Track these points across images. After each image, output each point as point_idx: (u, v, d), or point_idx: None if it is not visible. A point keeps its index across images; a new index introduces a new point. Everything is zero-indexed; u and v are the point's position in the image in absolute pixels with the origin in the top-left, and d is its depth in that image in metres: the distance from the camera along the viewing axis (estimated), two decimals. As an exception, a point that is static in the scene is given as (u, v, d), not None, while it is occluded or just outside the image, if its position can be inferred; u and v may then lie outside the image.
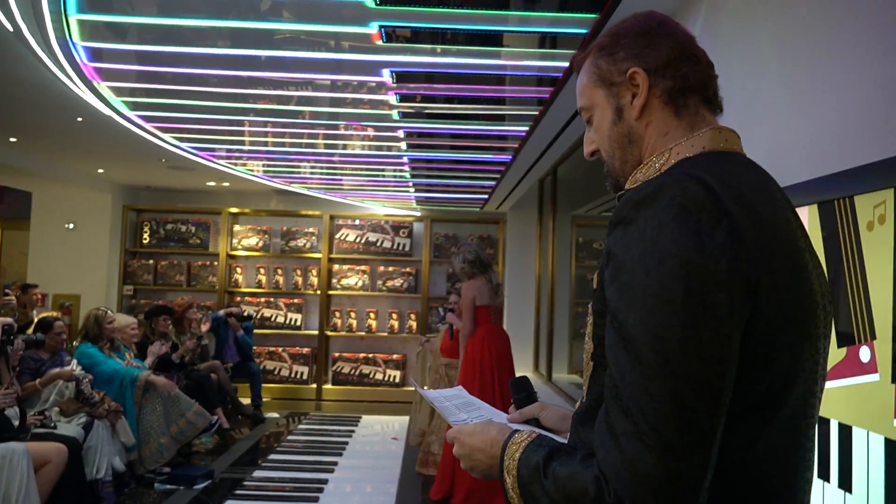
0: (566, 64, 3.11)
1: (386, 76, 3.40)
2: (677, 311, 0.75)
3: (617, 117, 0.98)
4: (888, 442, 1.15)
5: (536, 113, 3.97)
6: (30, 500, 3.16)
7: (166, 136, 5.19)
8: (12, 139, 5.77)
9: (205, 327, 6.46)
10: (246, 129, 4.98)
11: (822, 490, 1.29)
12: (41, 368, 4.23)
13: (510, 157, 5.15)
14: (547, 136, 4.42)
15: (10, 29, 3.04)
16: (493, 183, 6.31)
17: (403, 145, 5.01)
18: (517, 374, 1.43)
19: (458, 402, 1.24)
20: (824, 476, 1.28)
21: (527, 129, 4.33)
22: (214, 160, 6.14)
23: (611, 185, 1.04)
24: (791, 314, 0.81)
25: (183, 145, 5.51)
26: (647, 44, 0.95)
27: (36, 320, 4.96)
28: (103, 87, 3.88)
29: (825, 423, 1.28)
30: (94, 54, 3.39)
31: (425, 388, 5.40)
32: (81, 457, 3.90)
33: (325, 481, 4.75)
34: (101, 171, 7.33)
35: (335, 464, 5.24)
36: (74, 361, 4.45)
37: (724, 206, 0.79)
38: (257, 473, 4.94)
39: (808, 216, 1.30)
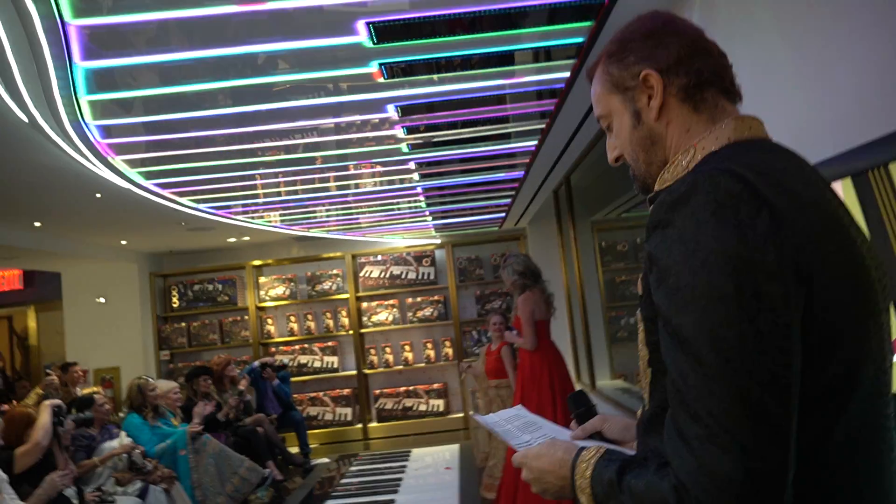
0: (567, 74, 3.12)
1: (391, 111, 3.44)
2: (730, 307, 0.73)
3: (636, 121, 0.97)
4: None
5: (542, 127, 3.98)
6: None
7: (183, 200, 5.28)
8: (37, 224, 5.91)
9: (244, 383, 6.49)
10: (258, 182, 5.05)
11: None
12: (92, 444, 4.28)
13: (522, 173, 5.15)
14: (556, 147, 4.42)
15: (25, 119, 3.13)
16: (508, 201, 6.31)
17: (416, 176, 5.04)
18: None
19: (518, 423, 1.23)
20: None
21: (535, 143, 4.34)
22: (232, 217, 6.22)
23: (639, 188, 1.04)
24: (848, 294, 0.79)
25: (200, 206, 5.60)
26: (655, 44, 0.95)
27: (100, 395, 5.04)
28: (118, 161, 3.97)
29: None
30: (106, 131, 3.47)
31: (476, 413, 5.37)
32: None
33: (385, 521, 4.71)
34: (124, 242, 7.46)
35: (392, 502, 5.20)
36: (123, 433, 4.50)
37: (762, 195, 0.78)
38: (316, 521, 4.91)
39: (842, 191, 1.28)
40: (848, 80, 1.38)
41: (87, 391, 5.73)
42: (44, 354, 9.82)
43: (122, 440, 4.44)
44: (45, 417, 3.67)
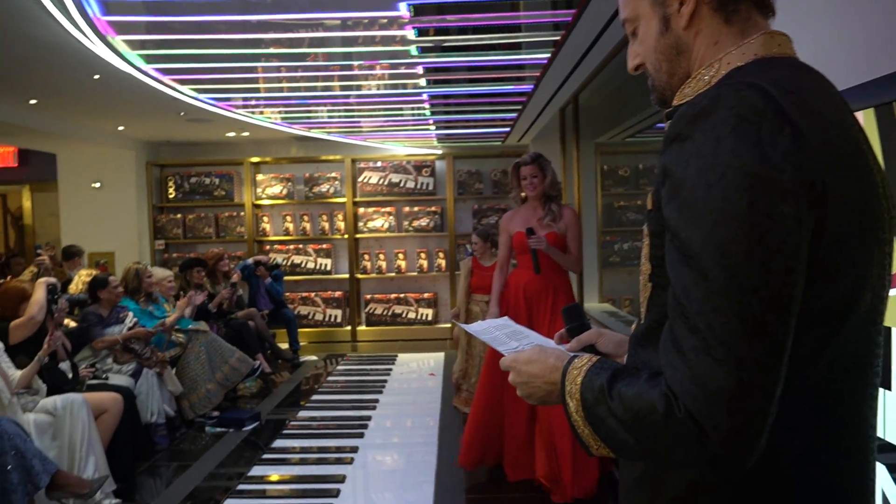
0: (588, -17, 2.99)
1: (403, 10, 3.32)
2: (742, 224, 0.73)
3: (664, 27, 0.93)
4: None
5: (556, 39, 3.86)
6: (93, 447, 3.32)
7: (183, 88, 5.17)
8: (32, 101, 5.78)
9: (236, 277, 6.57)
10: (260, 75, 4.93)
11: (884, 398, 1.29)
12: (104, 321, 4.43)
13: (531, 87, 5.04)
14: (568, 62, 4.29)
15: (22, -14, 3.00)
16: (514, 115, 6.21)
17: (423, 82, 4.92)
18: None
19: (505, 331, 1.24)
20: (885, 384, 1.28)
21: (547, 56, 4.22)
22: (232, 110, 6.11)
23: (656, 100, 1.01)
24: (859, 220, 0.79)
25: (200, 96, 5.48)
26: None
27: (80, 278, 5.09)
28: (118, 40, 3.85)
29: (886, 331, 1.27)
30: (106, 7, 3.35)
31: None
32: (136, 404, 4.06)
33: (369, 418, 4.91)
34: (121, 128, 7.35)
35: (376, 401, 5.39)
36: (130, 314, 4.59)
37: (786, 113, 0.76)
38: (302, 413, 5.11)
39: (863, 121, 1.26)
40: (881, 6, 1.33)
41: (82, 273, 5.78)
42: (38, 235, 9.86)
43: (129, 321, 4.54)
44: (40, 294, 3.73)
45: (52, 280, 3.87)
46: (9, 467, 2.74)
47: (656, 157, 0.87)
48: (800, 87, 0.81)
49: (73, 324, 4.51)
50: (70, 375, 3.84)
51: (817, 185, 0.76)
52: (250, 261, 7.00)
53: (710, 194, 0.75)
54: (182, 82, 4.99)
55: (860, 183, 0.80)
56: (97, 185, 8.07)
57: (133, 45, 4.03)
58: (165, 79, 4.82)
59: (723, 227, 0.74)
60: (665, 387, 0.78)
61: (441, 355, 7.05)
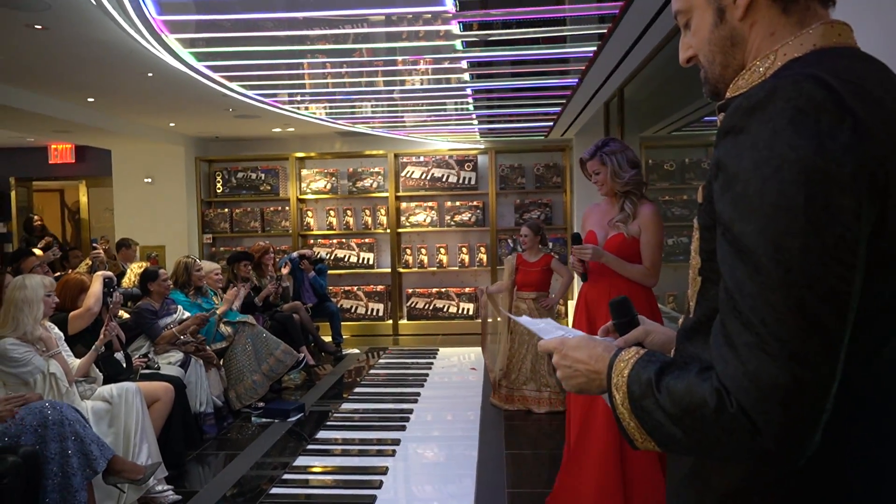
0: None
1: (448, 5, 3.32)
2: (798, 218, 0.72)
3: (718, 19, 0.92)
4: None
5: (602, 32, 3.81)
6: (146, 434, 3.43)
7: (232, 85, 5.28)
8: (90, 99, 5.99)
9: (285, 270, 6.68)
10: (306, 71, 5.00)
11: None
12: (157, 314, 4.59)
13: (576, 80, 4.99)
14: (614, 55, 4.24)
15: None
16: (558, 109, 6.16)
17: (466, 76, 4.92)
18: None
19: (551, 326, 1.23)
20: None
21: (592, 49, 4.17)
22: (278, 106, 6.22)
23: (709, 93, 0.99)
24: None
25: (248, 93, 5.59)
26: None
27: (132, 271, 5.26)
28: (171, 39, 3.95)
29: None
30: (161, 7, 3.44)
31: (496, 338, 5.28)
32: (186, 394, 4.18)
33: (410, 411, 4.95)
34: (172, 124, 7.55)
35: (418, 395, 5.43)
36: (180, 307, 4.74)
37: (847, 104, 0.74)
38: (345, 406, 5.18)
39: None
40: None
41: (134, 266, 5.96)
42: (94, 228, 10.21)
43: (181, 314, 4.69)
44: (97, 286, 3.86)
45: (109, 273, 4.01)
46: (69, 452, 2.85)
47: (703, 151, 0.87)
48: (861, 77, 0.79)
49: (126, 315, 4.66)
50: (124, 365, 3.98)
51: (879, 177, 0.74)
52: (295, 254, 7.12)
53: (765, 188, 0.74)
54: (231, 79, 5.10)
55: None
56: (149, 180, 8.31)
57: (185, 43, 4.14)
58: (215, 75, 4.93)
59: (778, 221, 0.73)
60: (717, 381, 0.77)
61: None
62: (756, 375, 0.74)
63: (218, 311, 5.05)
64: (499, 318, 5.34)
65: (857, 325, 0.75)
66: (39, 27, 3.82)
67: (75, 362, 3.47)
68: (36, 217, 8.43)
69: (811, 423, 0.74)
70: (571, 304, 7.95)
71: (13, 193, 9.80)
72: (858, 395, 0.79)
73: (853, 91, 0.76)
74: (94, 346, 3.57)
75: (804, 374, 0.72)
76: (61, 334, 3.57)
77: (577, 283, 7.98)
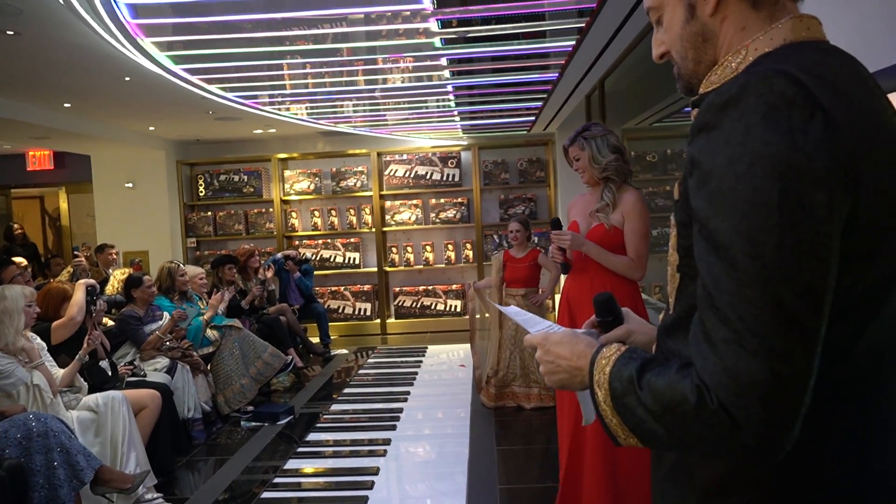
0: (612, -31, 2.95)
1: (426, 2, 3.31)
2: (773, 213, 0.73)
3: (689, 15, 0.92)
4: None
5: (581, 26, 3.82)
6: (134, 442, 3.40)
7: (211, 87, 5.23)
8: (67, 105, 5.92)
9: (269, 273, 6.65)
10: (286, 72, 4.97)
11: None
12: (142, 320, 4.55)
13: (556, 75, 5.00)
14: (594, 49, 4.25)
15: (53, -6, 3.07)
16: (539, 104, 6.16)
17: (447, 73, 4.91)
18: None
19: (525, 317, 1.21)
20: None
21: (571, 43, 4.18)
22: (259, 107, 6.17)
23: (682, 89, 1.00)
24: (894, 205, 0.78)
25: (227, 95, 5.55)
26: None
27: (116, 277, 5.21)
28: (147, 42, 3.91)
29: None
30: (135, 10, 3.40)
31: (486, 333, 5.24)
32: (173, 400, 4.15)
33: (400, 410, 4.94)
34: (152, 128, 7.48)
35: (407, 393, 5.43)
36: (165, 314, 4.70)
37: (817, 99, 0.75)
38: (334, 407, 5.17)
39: (897, 104, 1.22)
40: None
41: (118, 273, 5.91)
42: (75, 235, 10.10)
43: (164, 320, 4.65)
44: (79, 295, 3.82)
45: (92, 281, 3.97)
46: (55, 463, 2.82)
47: (684, 141, 0.87)
48: (830, 71, 0.80)
49: (111, 323, 4.62)
50: (110, 373, 3.94)
51: (850, 171, 0.74)
52: (279, 255, 7.08)
53: (739, 184, 0.74)
54: (209, 81, 5.06)
55: (894, 169, 0.79)
56: (130, 185, 8.24)
57: (161, 46, 4.09)
58: (193, 78, 4.89)
59: (753, 217, 0.73)
60: (696, 378, 0.78)
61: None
62: (735, 371, 0.74)
63: (204, 317, 5.02)
64: (486, 315, 5.34)
65: (833, 317, 0.76)
66: (11, 33, 3.77)
67: (59, 372, 3.43)
68: (16, 225, 8.32)
69: (790, 418, 0.74)
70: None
71: (-8, 202, 9.68)
72: (837, 388, 0.80)
73: (823, 86, 0.76)
74: (77, 356, 3.53)
75: (782, 370, 0.73)
76: (44, 344, 3.52)
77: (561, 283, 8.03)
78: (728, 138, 0.76)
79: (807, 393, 0.74)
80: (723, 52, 0.91)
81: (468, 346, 7.08)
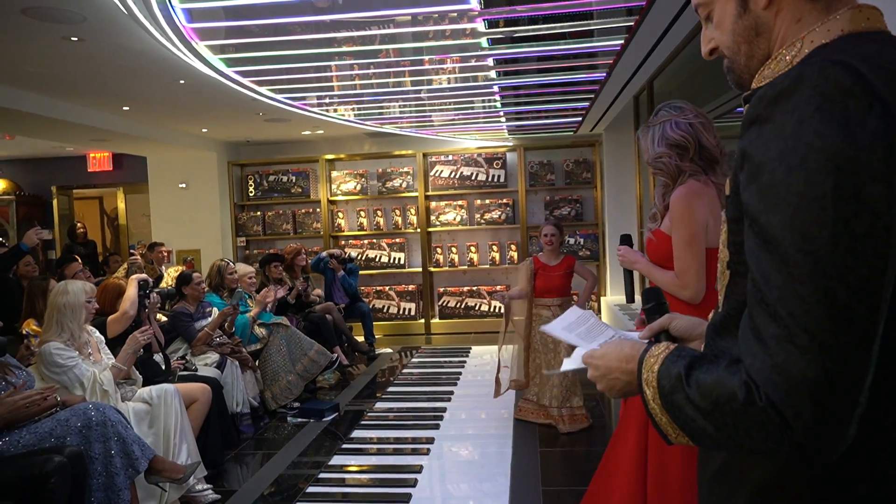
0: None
1: (473, 2, 3.32)
2: (826, 207, 0.71)
3: (742, 9, 0.90)
4: None
5: (629, 25, 3.77)
6: (185, 434, 3.50)
7: (262, 89, 5.35)
8: (125, 108, 6.13)
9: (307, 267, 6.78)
10: (334, 73, 5.05)
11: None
12: (193, 317, 4.68)
13: (604, 74, 4.94)
14: (642, 48, 4.19)
15: (117, 1, 3.19)
16: (586, 104, 6.11)
17: (493, 73, 4.91)
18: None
19: (582, 328, 1.21)
20: None
21: (620, 43, 4.13)
22: (307, 109, 6.29)
23: (734, 83, 0.98)
24: None
25: (277, 97, 5.66)
26: None
27: (169, 275, 5.37)
28: (201, 46, 4.03)
29: None
30: (190, 14, 3.51)
31: (508, 347, 4.82)
32: (223, 395, 4.26)
33: (444, 409, 4.96)
34: (204, 130, 7.69)
35: (451, 393, 5.44)
36: (215, 309, 4.83)
37: (876, 90, 0.72)
38: (379, 405, 5.22)
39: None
40: None
41: (171, 270, 6.09)
42: (132, 234, 10.46)
43: (215, 316, 4.78)
44: (132, 290, 3.96)
45: (143, 276, 4.10)
46: (112, 452, 2.93)
47: (735, 142, 0.85)
48: (892, 62, 0.77)
49: (164, 318, 4.76)
50: (163, 367, 4.07)
51: None
52: (324, 253, 7.18)
53: (792, 177, 0.73)
54: (260, 83, 5.18)
55: None
56: (183, 185, 8.48)
57: (215, 49, 4.21)
58: (245, 80, 5.01)
59: (806, 211, 0.72)
60: (745, 374, 0.77)
61: (515, 347, 7.03)
62: (785, 368, 0.73)
63: (250, 314, 5.13)
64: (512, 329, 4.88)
65: (894, 315, 0.74)
66: (76, 39, 3.93)
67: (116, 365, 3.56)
68: (79, 224, 8.67)
69: (843, 417, 0.72)
70: (593, 306, 7.88)
71: (55, 202, 10.08)
72: (893, 385, 0.77)
73: (883, 76, 0.74)
74: (132, 348, 3.63)
75: (835, 367, 0.71)
76: (102, 338, 3.66)
77: (608, 286, 7.91)
78: (780, 131, 0.75)
79: (861, 392, 0.72)
80: (777, 46, 0.89)
81: (512, 347, 7.05)
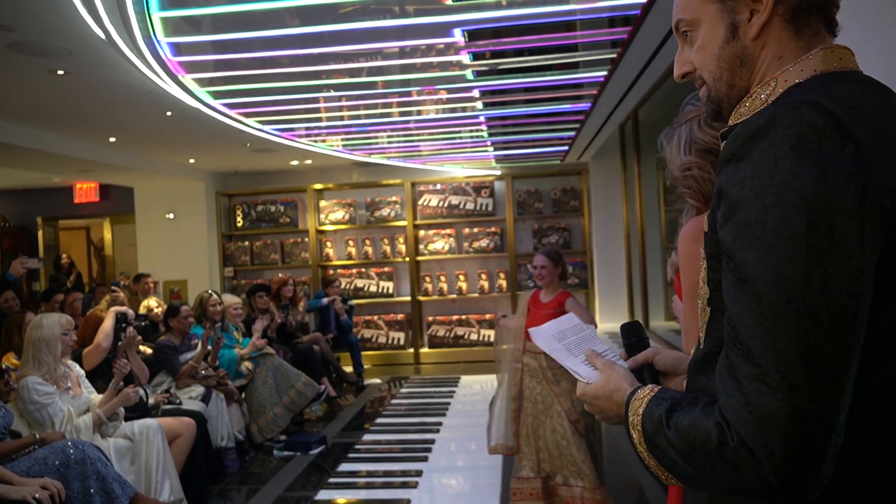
0: (643, 0, 2.96)
1: (458, 36, 3.36)
2: (800, 246, 0.71)
3: (731, 35, 0.89)
4: None
5: (613, 56, 3.83)
6: (168, 470, 3.44)
7: (249, 121, 5.37)
8: (112, 139, 6.13)
9: (303, 304, 6.73)
10: (322, 105, 5.08)
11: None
12: (178, 349, 4.61)
13: (589, 104, 5.00)
14: (626, 79, 4.25)
15: (102, 35, 3.20)
16: (572, 133, 6.17)
17: (479, 104, 4.96)
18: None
19: (571, 339, 1.16)
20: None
21: (604, 74, 4.19)
22: (295, 139, 6.31)
23: (709, 112, 0.96)
24: None
25: (265, 128, 5.68)
26: None
27: (143, 304, 5.31)
28: (187, 79, 4.04)
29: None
30: (176, 48, 3.53)
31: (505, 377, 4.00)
32: (207, 429, 4.18)
33: (433, 441, 4.90)
34: (192, 160, 7.68)
35: (440, 424, 5.39)
36: (199, 341, 4.77)
37: (848, 130, 0.73)
38: (367, 437, 5.15)
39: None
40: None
41: (144, 303, 5.94)
42: (118, 265, 10.38)
43: (199, 349, 4.71)
44: (107, 323, 3.90)
45: (122, 309, 4.04)
46: (92, 490, 2.86)
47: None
48: (863, 102, 0.78)
49: (148, 350, 4.69)
50: (146, 401, 4.00)
51: (885, 205, 0.72)
52: (325, 300, 7.06)
53: (766, 216, 0.73)
54: (248, 115, 5.19)
55: None
56: (170, 215, 8.45)
57: (202, 82, 4.23)
58: (232, 112, 5.03)
59: (780, 250, 0.72)
60: (719, 415, 0.77)
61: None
62: (756, 407, 0.72)
63: (243, 352, 5.07)
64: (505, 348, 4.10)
65: (874, 354, 0.73)
66: (62, 72, 3.93)
67: (97, 398, 3.49)
68: (64, 255, 8.60)
69: (815, 456, 0.72)
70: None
71: (40, 232, 10.01)
72: (876, 430, 0.76)
73: (855, 117, 0.75)
74: (110, 384, 3.57)
75: (805, 405, 0.71)
76: (82, 372, 3.60)
77: (598, 314, 7.91)
78: (756, 169, 0.75)
79: (833, 431, 0.72)
80: (757, 80, 0.89)
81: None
